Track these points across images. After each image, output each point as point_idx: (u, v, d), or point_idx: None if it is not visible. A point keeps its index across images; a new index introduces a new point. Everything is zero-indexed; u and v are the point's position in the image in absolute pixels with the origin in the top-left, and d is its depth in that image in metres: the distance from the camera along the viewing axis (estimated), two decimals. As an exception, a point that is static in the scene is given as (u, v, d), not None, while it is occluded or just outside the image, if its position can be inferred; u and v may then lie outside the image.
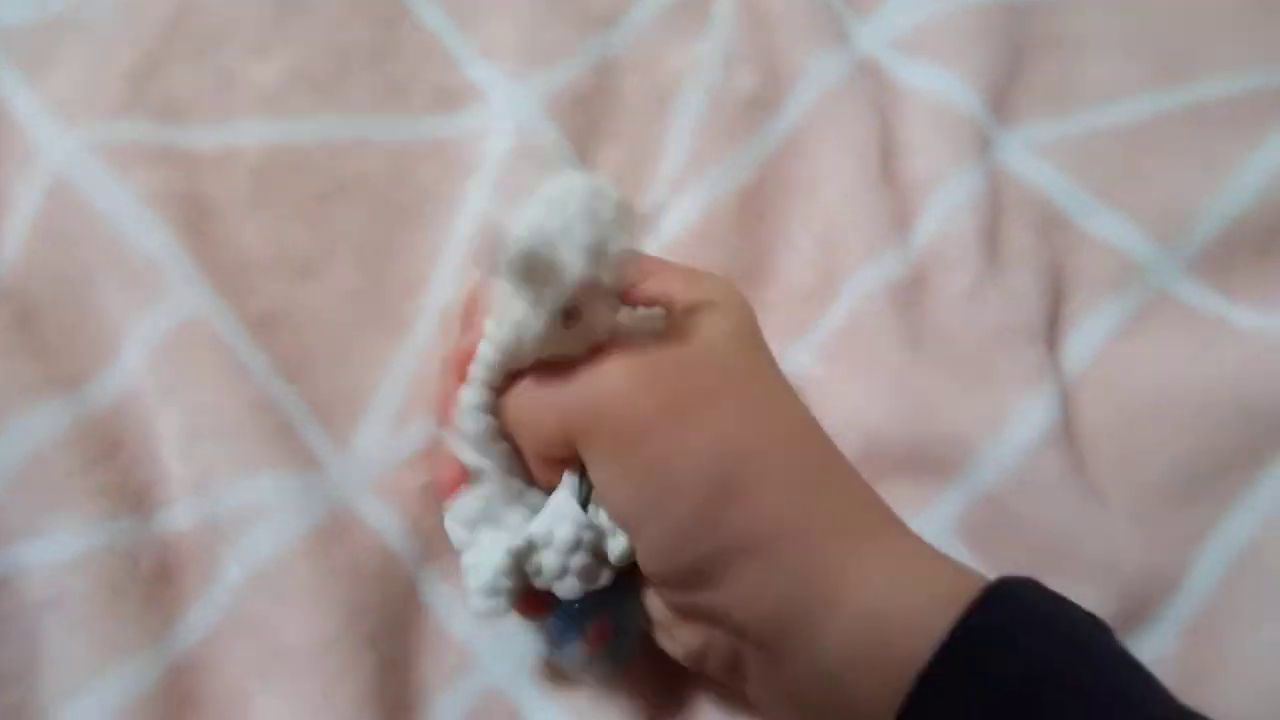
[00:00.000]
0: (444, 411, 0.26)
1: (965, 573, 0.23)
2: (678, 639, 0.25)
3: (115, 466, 0.27)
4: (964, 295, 0.32)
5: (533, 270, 0.22)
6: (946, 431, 0.30)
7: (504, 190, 0.32)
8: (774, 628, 0.22)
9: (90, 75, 0.32)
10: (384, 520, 0.28)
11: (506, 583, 0.24)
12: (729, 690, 0.26)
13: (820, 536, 0.23)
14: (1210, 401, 0.30)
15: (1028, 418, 0.30)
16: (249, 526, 0.27)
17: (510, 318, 0.23)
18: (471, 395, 0.25)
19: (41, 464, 0.27)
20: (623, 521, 0.24)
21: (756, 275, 0.34)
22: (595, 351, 0.24)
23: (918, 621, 0.21)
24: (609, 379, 0.23)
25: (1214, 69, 0.35)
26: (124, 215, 0.29)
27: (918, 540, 0.24)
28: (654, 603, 0.25)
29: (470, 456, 0.25)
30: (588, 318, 0.23)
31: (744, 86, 0.35)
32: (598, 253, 0.22)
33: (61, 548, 0.26)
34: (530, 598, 0.25)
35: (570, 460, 0.25)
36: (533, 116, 0.34)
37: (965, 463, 0.30)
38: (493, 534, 0.25)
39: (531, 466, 0.26)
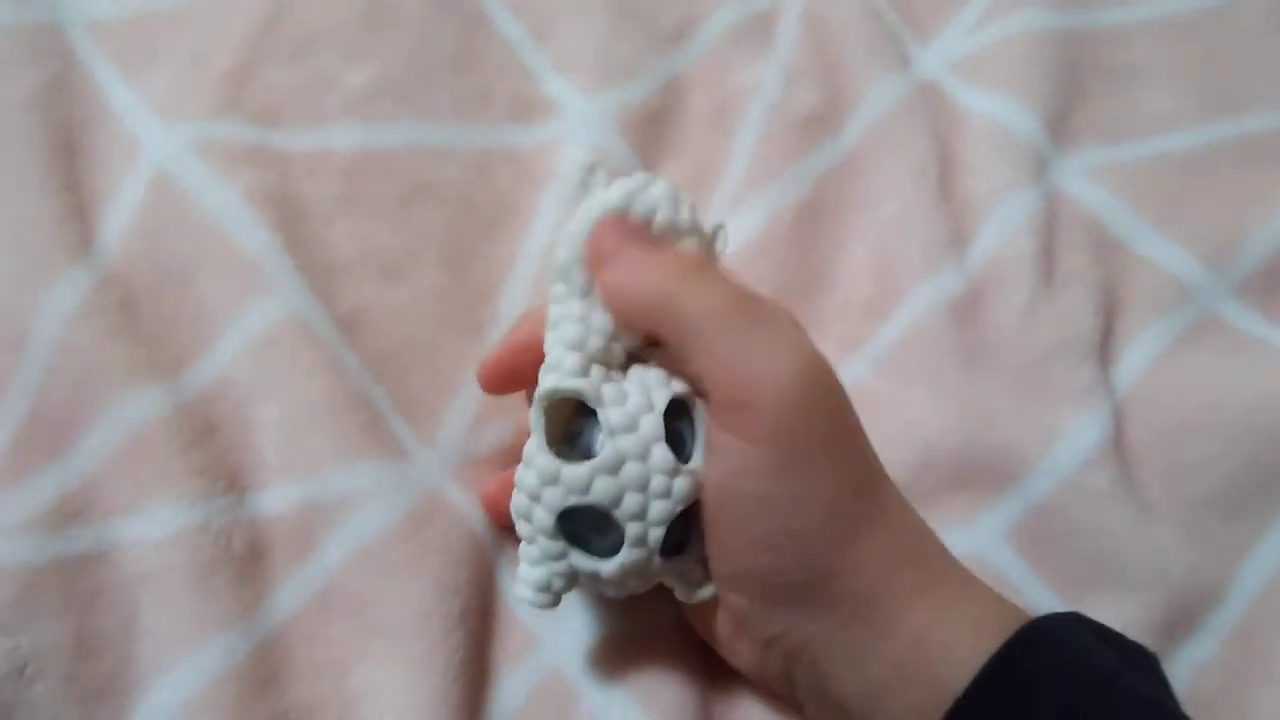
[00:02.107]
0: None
1: (1009, 608, 0.24)
2: (738, 654, 0.26)
3: (211, 449, 0.28)
4: (1020, 312, 0.33)
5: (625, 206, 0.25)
6: (1001, 444, 0.31)
7: (575, 203, 0.34)
8: (834, 651, 0.24)
9: (188, 75, 0.33)
10: (467, 506, 0.30)
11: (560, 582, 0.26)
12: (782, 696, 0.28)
13: (891, 569, 0.24)
14: (1255, 420, 0.31)
15: (1080, 431, 0.31)
16: (352, 510, 0.28)
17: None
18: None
19: (141, 443, 0.28)
20: (736, 513, 0.24)
21: (814, 287, 0.35)
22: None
23: (959, 654, 0.23)
24: (783, 365, 0.23)
25: (1263, 103, 0.36)
26: (226, 213, 0.31)
27: (966, 573, 0.25)
28: (720, 617, 0.26)
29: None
30: None
31: (805, 104, 0.37)
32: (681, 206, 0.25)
33: (158, 525, 0.27)
34: None
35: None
36: (604, 132, 0.35)
37: (1019, 474, 0.31)
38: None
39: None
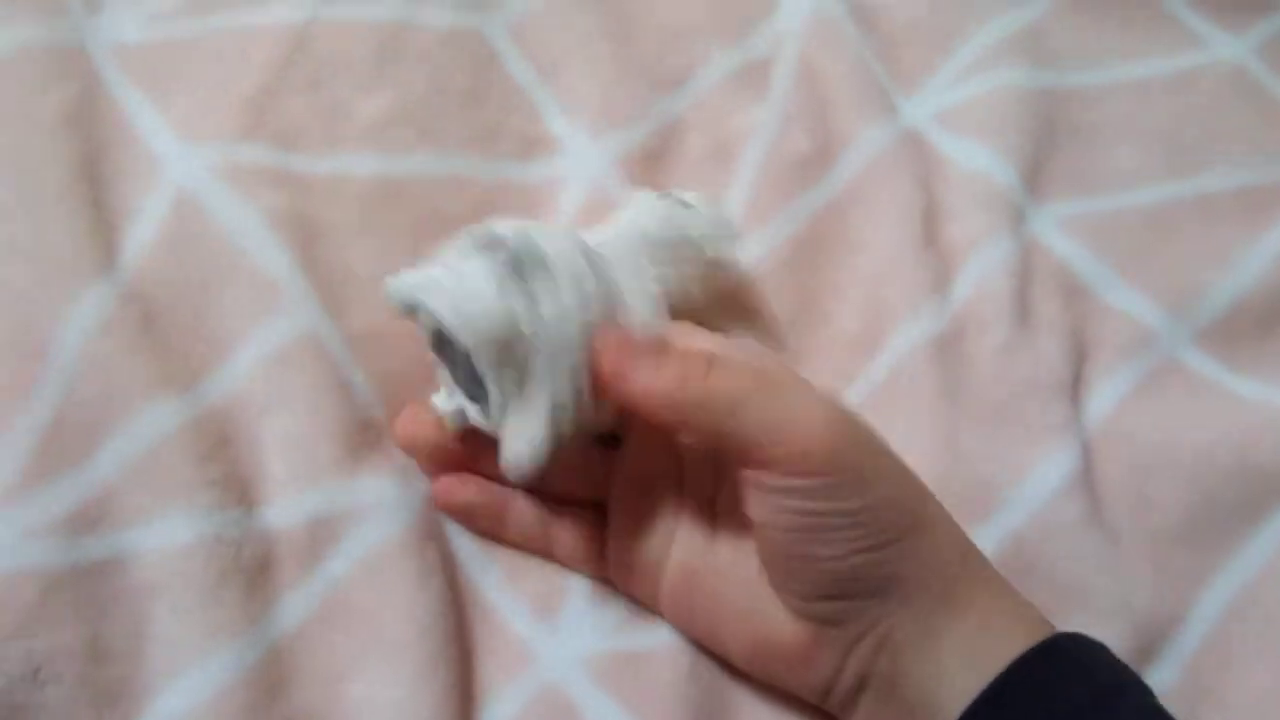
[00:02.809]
0: None
1: (1039, 620, 0.28)
2: (815, 667, 0.28)
3: (225, 462, 0.29)
4: (997, 352, 0.35)
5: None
6: (978, 476, 0.33)
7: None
8: (917, 635, 0.27)
9: (212, 100, 0.34)
10: (457, 526, 0.31)
11: None
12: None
13: (962, 554, 0.28)
14: (1213, 460, 0.33)
15: (1052, 466, 0.33)
16: (356, 524, 0.29)
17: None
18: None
19: (159, 455, 0.29)
20: (819, 534, 0.26)
21: (806, 321, 0.37)
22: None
23: (998, 654, 0.26)
24: (820, 411, 0.26)
25: (1221, 164, 0.39)
26: (246, 234, 0.32)
27: (1003, 581, 0.28)
28: (787, 627, 0.28)
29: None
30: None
31: (798, 148, 0.39)
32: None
33: (173, 534, 0.28)
34: None
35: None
36: (605, 172, 0.37)
37: (994, 505, 0.33)
38: None
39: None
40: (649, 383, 0.26)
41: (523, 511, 0.31)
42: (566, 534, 0.31)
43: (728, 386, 0.26)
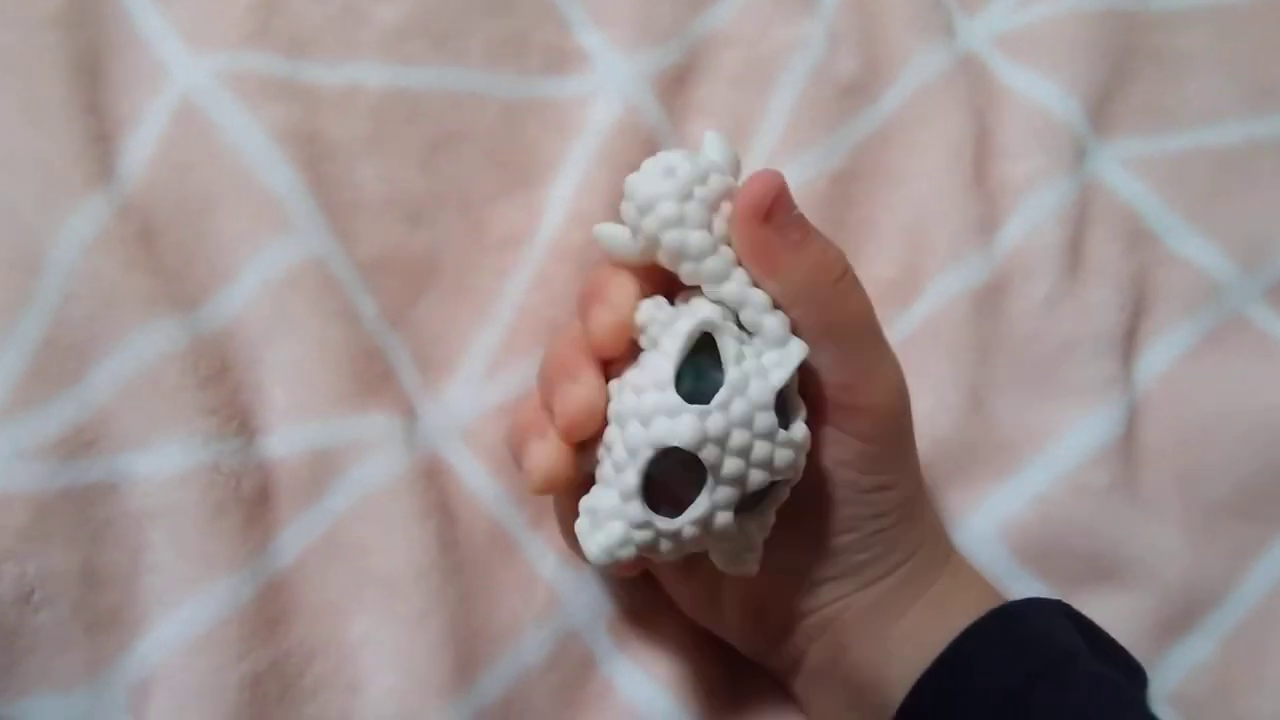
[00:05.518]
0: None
1: (995, 595, 0.28)
2: (755, 630, 0.28)
3: (224, 388, 0.28)
4: (1040, 304, 0.33)
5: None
6: (1005, 437, 0.32)
7: (605, 159, 0.33)
8: (867, 618, 0.26)
9: (217, 2, 0.32)
10: (471, 465, 0.30)
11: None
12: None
13: (934, 542, 0.27)
14: (1272, 425, 0.31)
15: (1085, 428, 0.31)
16: (358, 459, 0.28)
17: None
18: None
19: (155, 377, 0.27)
20: (833, 498, 0.25)
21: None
22: None
23: (948, 629, 0.26)
24: (896, 377, 0.26)
25: (1305, 103, 0.35)
26: (251, 149, 0.30)
27: (961, 558, 0.29)
28: (735, 598, 0.27)
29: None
30: None
31: (844, 71, 0.36)
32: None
33: (170, 461, 0.27)
34: None
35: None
36: (638, 90, 0.34)
37: (1020, 467, 0.31)
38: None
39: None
40: (781, 248, 0.23)
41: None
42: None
43: (857, 305, 0.25)
